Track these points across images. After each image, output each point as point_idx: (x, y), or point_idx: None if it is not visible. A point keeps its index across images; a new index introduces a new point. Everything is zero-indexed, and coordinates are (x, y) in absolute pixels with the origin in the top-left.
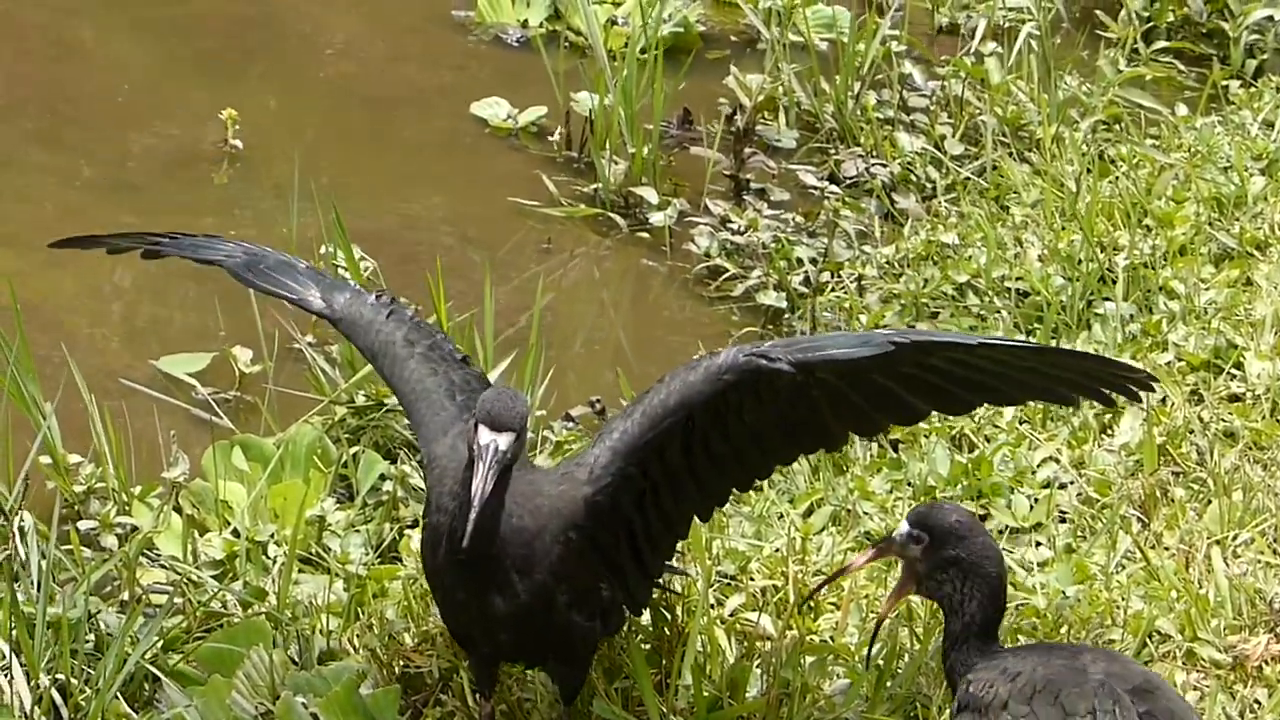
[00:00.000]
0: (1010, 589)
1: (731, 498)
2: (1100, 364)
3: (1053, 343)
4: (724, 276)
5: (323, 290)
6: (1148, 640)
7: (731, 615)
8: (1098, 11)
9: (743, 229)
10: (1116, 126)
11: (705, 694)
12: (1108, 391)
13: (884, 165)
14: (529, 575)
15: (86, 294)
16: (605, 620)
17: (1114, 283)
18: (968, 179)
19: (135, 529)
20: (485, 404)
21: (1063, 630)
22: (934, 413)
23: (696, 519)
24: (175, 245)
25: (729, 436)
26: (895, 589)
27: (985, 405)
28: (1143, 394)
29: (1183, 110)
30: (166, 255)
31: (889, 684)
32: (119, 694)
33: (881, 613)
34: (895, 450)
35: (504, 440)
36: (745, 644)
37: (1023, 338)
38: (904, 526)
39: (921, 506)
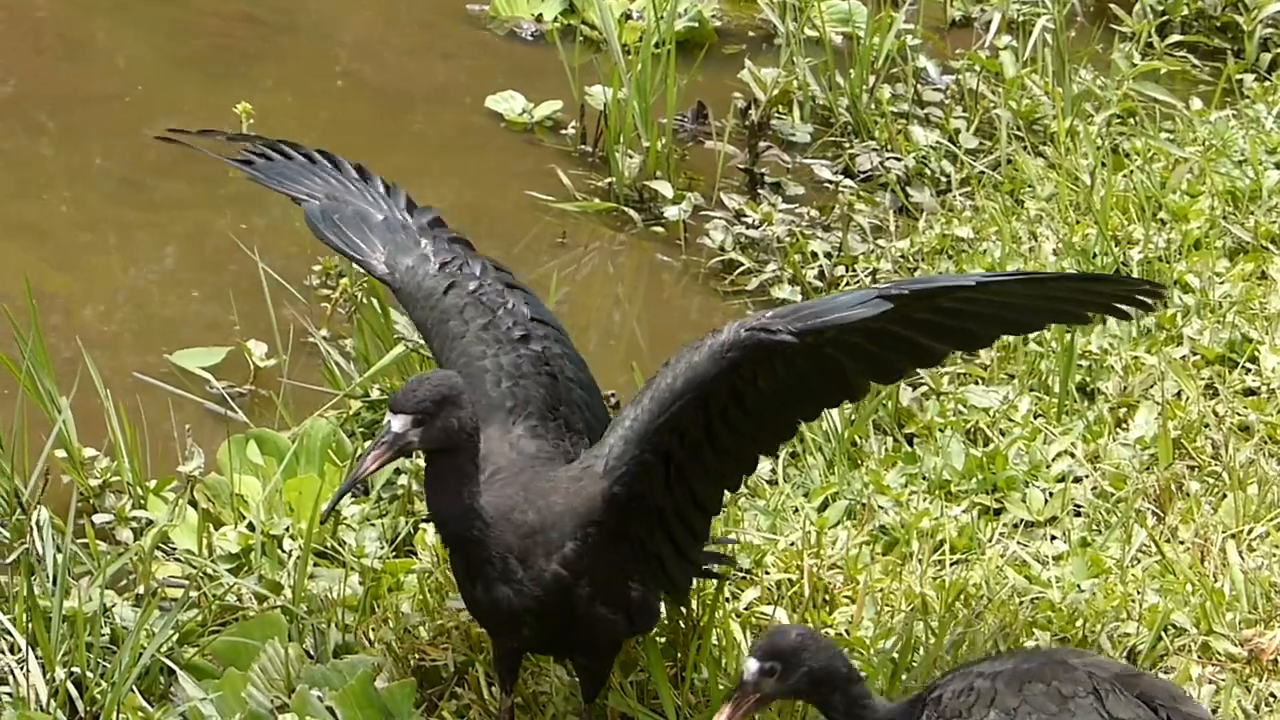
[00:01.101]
0: (1025, 583)
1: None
2: (1105, 282)
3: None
4: (738, 271)
5: (389, 253)
6: (1163, 634)
7: (747, 609)
8: (1112, 5)
9: (757, 223)
10: (1131, 120)
11: (720, 687)
12: (1120, 306)
13: (898, 159)
14: (531, 566)
15: (101, 289)
16: (633, 617)
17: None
18: (982, 173)
19: (150, 523)
20: (402, 386)
21: (1078, 624)
22: (954, 351)
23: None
24: (265, 171)
25: (746, 407)
26: (740, 714)
27: (1003, 336)
28: (1154, 303)
29: (1197, 104)
30: (253, 178)
31: (904, 677)
32: (134, 687)
33: None
34: (910, 444)
35: (398, 422)
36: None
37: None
38: (753, 665)
39: (760, 640)
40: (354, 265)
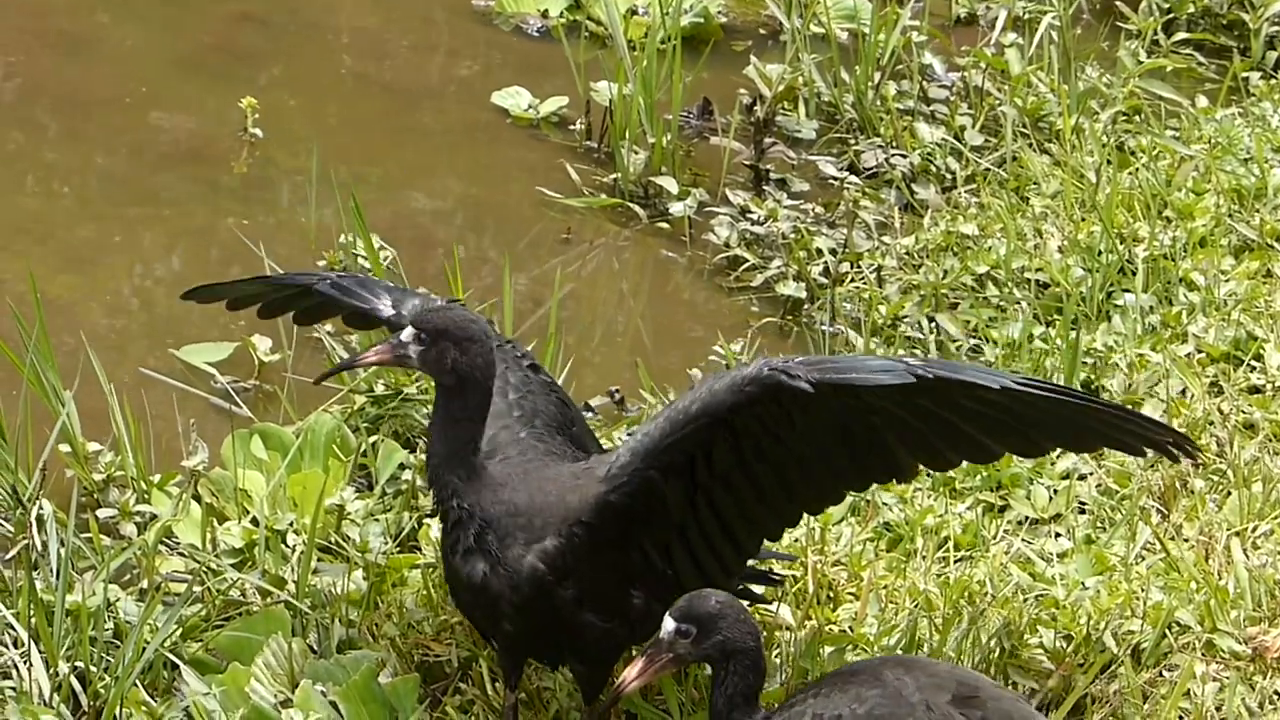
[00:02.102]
0: (1029, 580)
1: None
2: (1139, 422)
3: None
4: (743, 267)
5: (395, 299)
6: (1167, 631)
7: (751, 606)
8: (1118, 3)
9: (762, 219)
10: (1137, 118)
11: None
12: (1144, 448)
13: (904, 156)
14: (509, 548)
15: (105, 284)
16: (634, 624)
17: (1134, 274)
18: (988, 170)
19: (154, 517)
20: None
21: (1082, 621)
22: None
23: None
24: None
25: (769, 458)
26: (652, 669)
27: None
28: (1182, 457)
29: (1203, 102)
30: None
31: None
32: (138, 682)
33: (625, 687)
34: None
35: (407, 333)
36: (764, 634)
37: (1060, 382)
38: (669, 624)
39: (680, 600)
40: (363, 317)
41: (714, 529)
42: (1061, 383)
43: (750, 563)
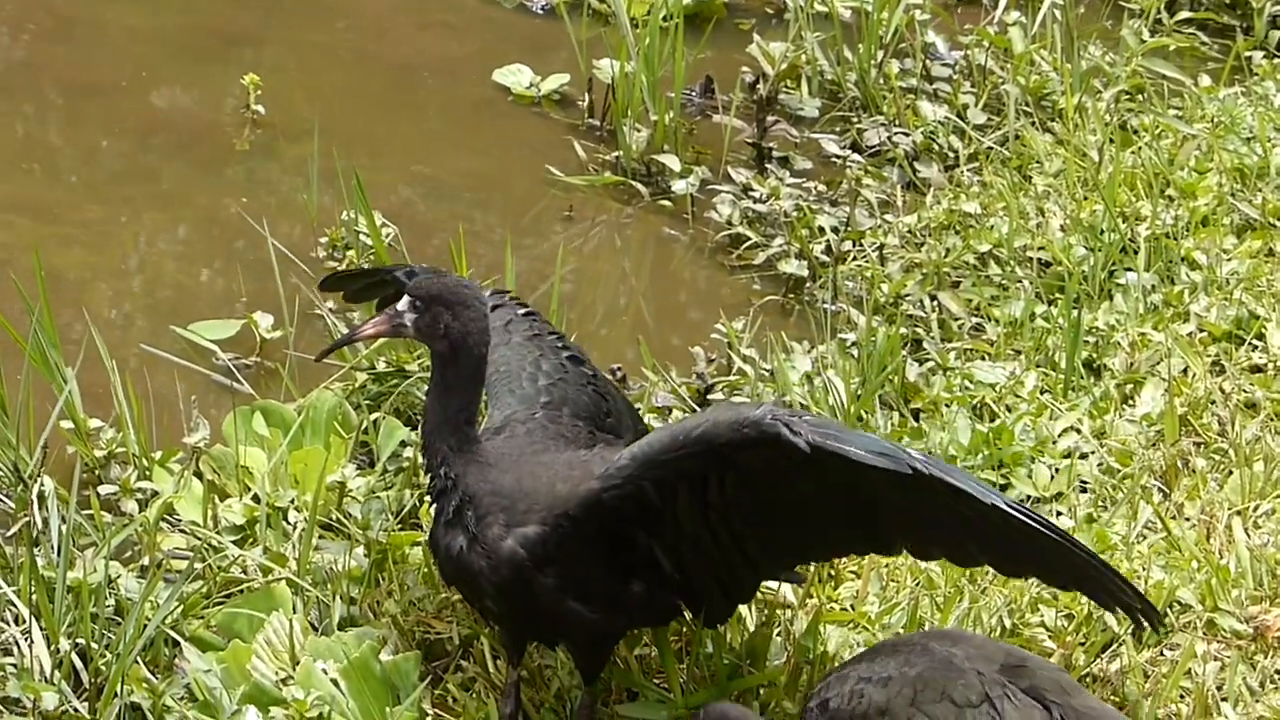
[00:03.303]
0: None
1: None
2: (1116, 581)
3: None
4: (745, 245)
5: None
6: (1168, 610)
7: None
8: None
9: (765, 197)
10: (1139, 97)
11: (725, 662)
12: (1113, 605)
13: (906, 134)
14: (489, 527)
15: (108, 263)
16: (631, 613)
17: (1136, 253)
18: (990, 148)
19: (156, 494)
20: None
21: (1082, 600)
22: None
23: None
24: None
25: (760, 494)
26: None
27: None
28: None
29: (1206, 81)
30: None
31: None
32: (139, 659)
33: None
34: (916, 419)
35: (404, 302)
36: (765, 612)
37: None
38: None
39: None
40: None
41: (731, 547)
42: (1061, 356)
43: None
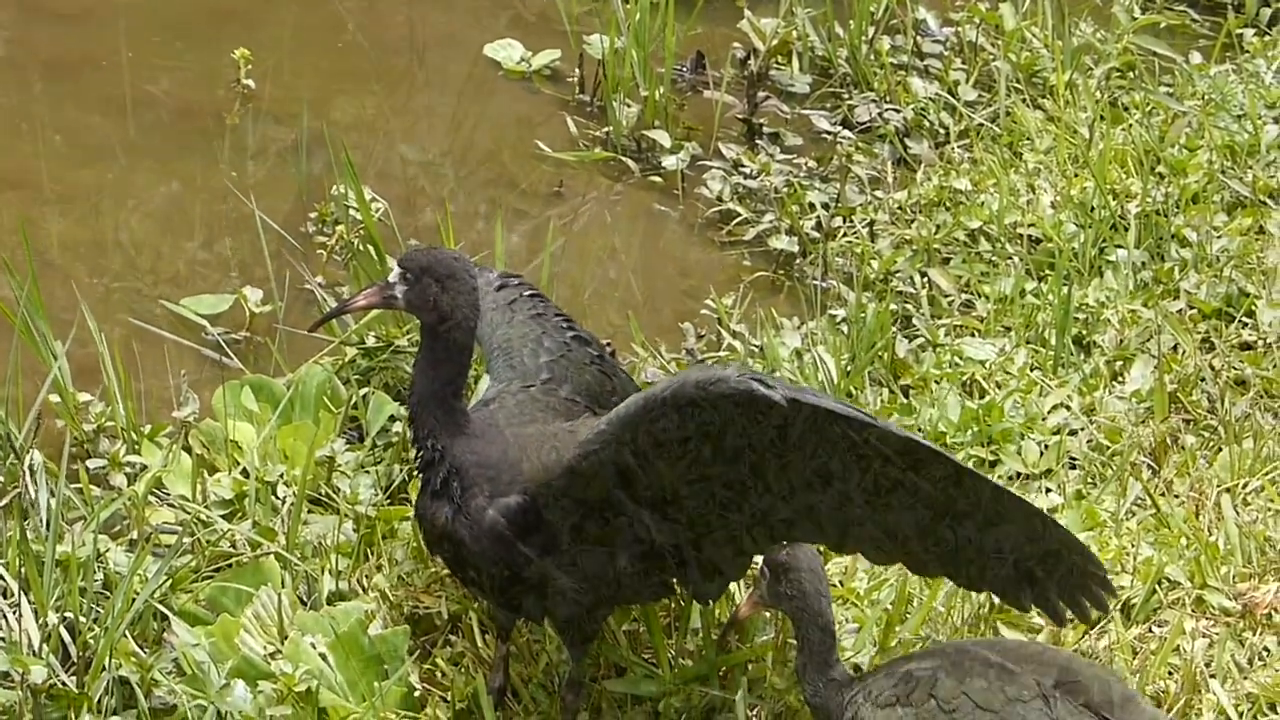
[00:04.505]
0: None
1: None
2: (1076, 549)
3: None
4: (736, 221)
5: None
6: (1157, 587)
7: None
8: None
9: (755, 173)
10: (1130, 74)
11: (714, 637)
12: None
13: (897, 110)
14: (473, 497)
15: (98, 238)
16: (619, 587)
17: (1126, 230)
18: (981, 125)
19: (144, 468)
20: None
21: None
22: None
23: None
24: None
25: (734, 466)
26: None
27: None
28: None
29: (1197, 58)
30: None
31: (898, 629)
32: (127, 633)
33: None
34: (906, 396)
35: (394, 274)
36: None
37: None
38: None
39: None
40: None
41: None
42: (1051, 333)
43: None
